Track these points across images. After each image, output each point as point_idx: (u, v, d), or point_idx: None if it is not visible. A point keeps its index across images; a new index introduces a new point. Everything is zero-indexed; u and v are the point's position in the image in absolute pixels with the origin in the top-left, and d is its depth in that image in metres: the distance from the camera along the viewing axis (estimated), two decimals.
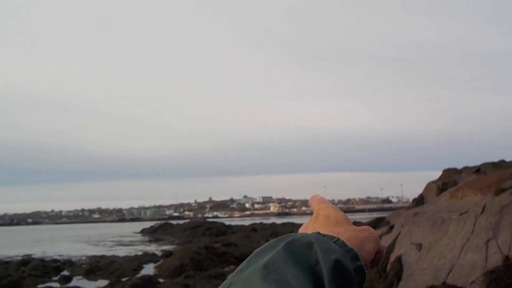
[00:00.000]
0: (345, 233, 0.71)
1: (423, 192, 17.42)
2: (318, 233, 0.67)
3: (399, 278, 10.65)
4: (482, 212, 9.93)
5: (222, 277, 16.27)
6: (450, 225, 10.57)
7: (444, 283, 9.06)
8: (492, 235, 9.01)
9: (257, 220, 68.05)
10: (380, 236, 11.99)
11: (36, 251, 33.80)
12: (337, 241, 0.64)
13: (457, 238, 9.83)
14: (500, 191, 10.61)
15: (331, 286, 0.57)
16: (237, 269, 0.62)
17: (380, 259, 0.77)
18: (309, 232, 0.74)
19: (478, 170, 16.96)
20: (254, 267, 0.60)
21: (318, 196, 0.86)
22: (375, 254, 0.75)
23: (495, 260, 8.37)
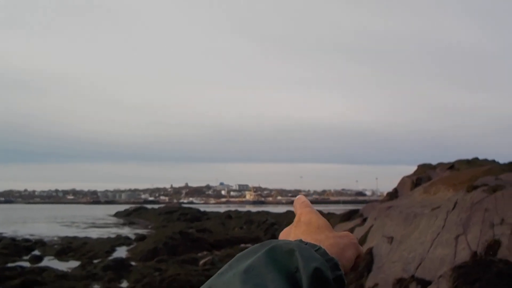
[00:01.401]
0: (327, 240, 0.72)
1: (397, 186, 17.67)
2: (301, 240, 0.68)
3: (369, 270, 10.81)
4: (453, 208, 10.11)
5: (195, 262, 16.30)
6: (422, 220, 10.75)
7: (413, 276, 9.22)
8: (462, 231, 9.20)
9: (233, 208, 68.13)
10: (353, 228, 12.17)
11: (7, 230, 33.32)
12: (318, 249, 0.65)
13: (428, 233, 10.00)
14: (472, 188, 10.82)
15: None
16: (218, 272, 0.62)
17: (360, 263, 0.78)
18: (291, 237, 0.76)
19: (452, 166, 17.27)
20: (235, 271, 0.60)
21: (303, 199, 0.86)
22: (355, 259, 0.76)
23: (463, 255, 8.55)
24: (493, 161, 17.96)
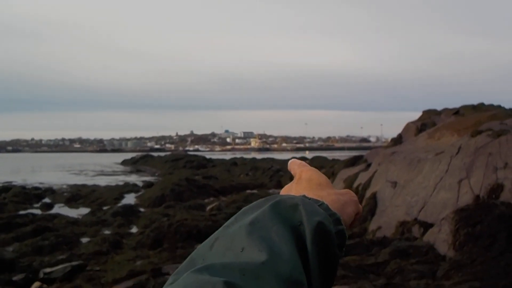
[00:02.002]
0: (328, 197, 0.73)
1: (401, 132, 17.67)
2: (304, 196, 0.69)
3: (372, 214, 11.01)
4: (457, 153, 10.17)
5: (201, 207, 16.61)
6: (425, 165, 10.84)
7: (415, 219, 9.41)
8: (465, 175, 9.30)
9: (238, 155, 68.61)
10: (357, 174, 12.29)
11: (17, 179, 33.84)
12: (321, 204, 0.66)
13: (431, 177, 10.12)
14: (476, 133, 10.84)
15: (312, 246, 0.60)
16: (225, 224, 0.64)
17: (359, 219, 0.81)
18: (293, 193, 0.77)
19: (457, 112, 17.19)
20: (240, 224, 0.62)
21: (298, 161, 0.87)
22: (354, 216, 0.77)
23: (466, 199, 8.68)
24: (499, 106, 17.86)
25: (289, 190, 0.81)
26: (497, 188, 8.35)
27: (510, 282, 5.34)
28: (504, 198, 7.85)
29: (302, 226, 0.61)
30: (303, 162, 0.86)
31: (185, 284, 0.52)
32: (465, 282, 5.57)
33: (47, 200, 21.46)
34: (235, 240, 0.59)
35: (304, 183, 0.79)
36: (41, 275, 8.43)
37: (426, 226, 8.78)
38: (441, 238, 7.37)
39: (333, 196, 0.75)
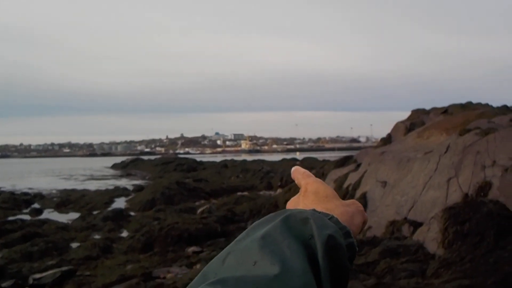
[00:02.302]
0: (337, 209, 0.74)
1: (391, 131, 17.76)
2: (314, 210, 0.69)
3: None
4: (446, 152, 10.24)
5: (192, 210, 16.58)
6: (414, 164, 10.91)
7: (405, 218, 9.45)
8: (454, 174, 9.36)
9: (228, 157, 68.54)
10: (347, 174, 12.32)
11: (6, 184, 33.55)
12: (331, 218, 0.67)
13: (421, 176, 10.17)
14: (464, 131, 10.92)
15: (324, 259, 0.60)
16: (236, 239, 0.65)
17: (364, 227, 0.80)
18: (300, 206, 0.77)
19: (445, 111, 17.30)
20: (252, 238, 0.62)
21: (302, 170, 0.87)
22: (362, 225, 0.78)
23: (455, 197, 8.74)
24: (487, 105, 18.00)
25: (296, 203, 0.81)
26: (485, 186, 8.42)
27: (499, 279, 5.38)
28: (492, 196, 7.91)
29: (313, 239, 0.61)
30: (307, 172, 0.86)
31: None
32: (454, 280, 5.60)
33: (36, 205, 21.30)
34: (247, 254, 0.60)
35: (311, 196, 0.79)
36: (30, 281, 8.37)
37: (416, 225, 8.82)
38: (430, 237, 7.41)
39: (341, 208, 0.75)
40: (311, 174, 0.85)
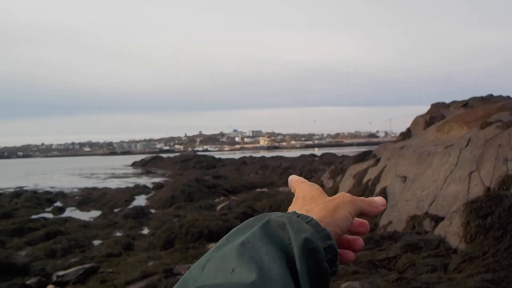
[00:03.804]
0: (316, 207, 0.74)
1: (410, 126, 17.60)
2: (294, 212, 0.70)
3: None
4: (467, 145, 10.11)
5: (212, 207, 16.65)
6: (435, 158, 10.79)
7: (426, 213, 9.37)
8: (475, 168, 9.24)
9: (247, 154, 68.65)
10: (367, 169, 12.25)
11: (28, 183, 34.10)
12: (310, 221, 0.66)
13: (441, 170, 10.07)
14: (485, 124, 10.76)
15: (301, 263, 0.60)
16: (216, 245, 0.66)
17: (371, 214, 0.78)
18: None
19: (466, 104, 17.08)
20: (231, 245, 0.63)
21: (296, 177, 0.88)
22: (359, 215, 0.77)
23: (476, 191, 8.63)
24: (508, 97, 17.73)
25: (290, 210, 0.81)
26: (507, 179, 8.30)
27: None
28: None
29: (291, 244, 0.62)
30: (300, 179, 0.87)
31: None
32: (477, 274, 5.55)
33: (58, 204, 21.60)
34: (225, 261, 0.61)
35: (299, 200, 0.79)
36: (54, 278, 8.50)
37: (437, 219, 8.74)
38: (452, 231, 7.34)
39: (321, 205, 0.74)
40: (304, 180, 0.86)
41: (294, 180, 0.87)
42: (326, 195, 0.79)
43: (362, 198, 0.79)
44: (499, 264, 5.74)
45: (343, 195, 0.77)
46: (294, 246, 0.61)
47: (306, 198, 0.78)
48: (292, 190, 0.86)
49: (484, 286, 5.01)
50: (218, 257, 0.62)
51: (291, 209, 0.79)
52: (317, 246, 0.62)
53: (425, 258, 6.73)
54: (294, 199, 0.82)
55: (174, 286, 0.60)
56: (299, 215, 0.68)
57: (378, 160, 14.31)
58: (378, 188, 12.00)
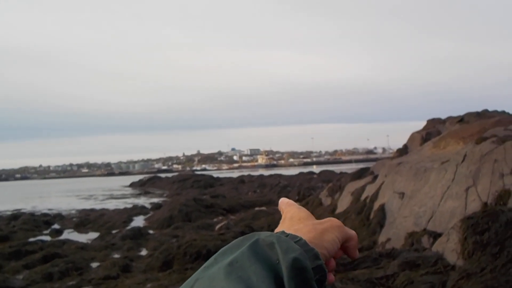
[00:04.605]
0: (305, 228, 0.75)
1: (407, 142, 17.67)
2: (283, 232, 0.71)
3: (381, 226, 10.97)
4: (463, 161, 10.14)
5: (210, 227, 16.60)
6: (431, 174, 10.82)
7: (424, 229, 9.36)
8: (472, 183, 9.26)
9: (245, 172, 68.56)
10: (364, 186, 12.24)
11: (26, 206, 33.94)
12: (299, 241, 0.67)
13: (438, 186, 10.08)
14: (481, 140, 10.82)
15: (290, 283, 0.61)
16: (204, 265, 0.66)
17: (355, 245, 0.80)
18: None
19: (461, 119, 17.17)
20: (220, 265, 0.64)
21: (286, 200, 0.90)
22: (346, 242, 0.78)
23: (474, 206, 8.64)
24: (503, 112, 17.84)
25: (278, 230, 0.82)
26: (504, 194, 8.32)
27: None
28: None
29: (279, 264, 0.62)
30: (290, 201, 0.89)
31: None
32: None
33: (56, 226, 21.49)
34: (214, 281, 0.61)
35: (287, 221, 0.81)
36: None
37: (435, 236, 8.73)
38: (449, 248, 7.33)
39: (310, 226, 0.76)
40: (294, 203, 0.88)
41: (284, 202, 0.89)
42: (314, 218, 0.81)
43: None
44: (496, 280, 5.72)
45: (332, 220, 0.79)
46: (283, 266, 0.61)
47: (294, 219, 0.80)
48: (281, 212, 0.87)
49: None
50: (206, 277, 0.62)
51: (278, 229, 0.80)
52: (306, 265, 0.63)
53: (423, 276, 6.71)
54: (281, 221, 0.84)
55: None
56: (287, 235, 0.69)
57: (375, 177, 14.33)
58: (376, 205, 11.99)
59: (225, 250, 0.67)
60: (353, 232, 0.80)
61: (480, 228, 6.89)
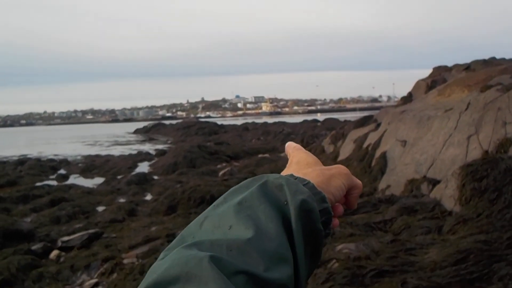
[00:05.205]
0: (313, 172, 0.77)
1: (412, 90, 17.55)
2: (292, 175, 0.73)
3: (382, 173, 11.08)
4: (466, 109, 10.12)
5: (213, 173, 16.80)
6: (434, 122, 10.82)
7: (424, 176, 9.46)
8: (474, 131, 9.27)
9: (249, 120, 68.59)
10: (367, 134, 12.30)
11: (32, 152, 34.28)
12: (307, 184, 0.69)
13: (440, 134, 10.11)
14: (486, 88, 10.74)
15: (297, 223, 0.63)
16: (213, 204, 0.68)
17: (358, 195, 0.82)
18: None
19: (468, 67, 16.97)
20: (229, 204, 0.65)
21: (293, 144, 0.91)
22: (350, 190, 0.80)
23: (474, 154, 8.68)
24: (511, 60, 17.59)
25: (284, 173, 0.84)
26: (505, 143, 8.34)
27: None
28: None
29: (287, 205, 0.64)
30: (297, 146, 0.90)
31: (174, 258, 0.56)
32: (470, 235, 5.67)
33: (62, 171, 21.80)
34: (223, 219, 0.63)
35: (293, 165, 0.83)
36: (59, 243, 8.69)
37: (435, 183, 8.83)
38: (447, 194, 7.44)
39: (318, 171, 0.78)
40: (301, 147, 0.89)
41: (292, 146, 0.91)
42: (321, 163, 0.83)
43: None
44: (492, 225, 5.85)
45: (340, 167, 0.81)
46: (291, 207, 0.64)
47: (301, 164, 0.82)
48: (288, 156, 0.90)
49: (477, 247, 5.13)
50: (216, 215, 0.65)
51: (285, 172, 0.82)
52: (313, 207, 0.66)
53: (420, 221, 6.86)
54: (288, 164, 0.86)
55: (173, 241, 0.63)
56: (296, 178, 0.72)
57: (378, 125, 14.33)
58: (378, 153, 12.07)
59: (234, 191, 0.69)
60: (359, 182, 0.83)
61: (479, 175, 6.97)
